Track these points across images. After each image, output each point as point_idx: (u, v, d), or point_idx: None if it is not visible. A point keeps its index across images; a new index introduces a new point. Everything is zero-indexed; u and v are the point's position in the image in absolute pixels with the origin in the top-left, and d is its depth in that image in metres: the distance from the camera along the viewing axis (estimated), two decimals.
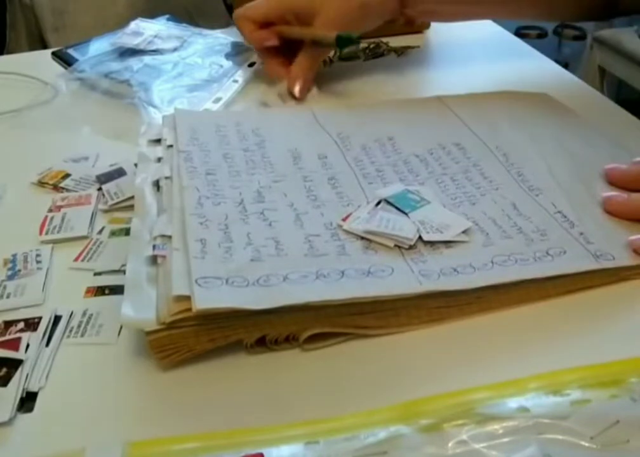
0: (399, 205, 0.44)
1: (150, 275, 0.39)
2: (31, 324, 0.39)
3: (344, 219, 0.43)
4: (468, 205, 0.45)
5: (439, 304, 0.38)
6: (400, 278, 0.38)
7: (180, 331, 0.35)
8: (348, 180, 0.48)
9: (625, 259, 0.40)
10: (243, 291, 0.37)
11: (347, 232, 0.42)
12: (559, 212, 0.44)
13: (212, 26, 0.84)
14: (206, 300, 0.35)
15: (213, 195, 0.45)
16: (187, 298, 0.35)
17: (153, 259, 0.40)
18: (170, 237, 0.41)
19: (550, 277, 0.39)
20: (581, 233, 0.42)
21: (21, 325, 0.39)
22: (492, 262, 0.40)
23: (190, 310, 0.35)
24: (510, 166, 0.50)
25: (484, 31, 0.88)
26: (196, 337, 0.36)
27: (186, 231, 0.41)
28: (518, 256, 0.40)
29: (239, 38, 0.80)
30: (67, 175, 0.56)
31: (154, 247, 0.40)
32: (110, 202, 0.51)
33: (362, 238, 0.42)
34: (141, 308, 0.36)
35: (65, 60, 0.76)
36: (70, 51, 0.77)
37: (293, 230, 0.42)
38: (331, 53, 0.80)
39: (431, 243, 0.41)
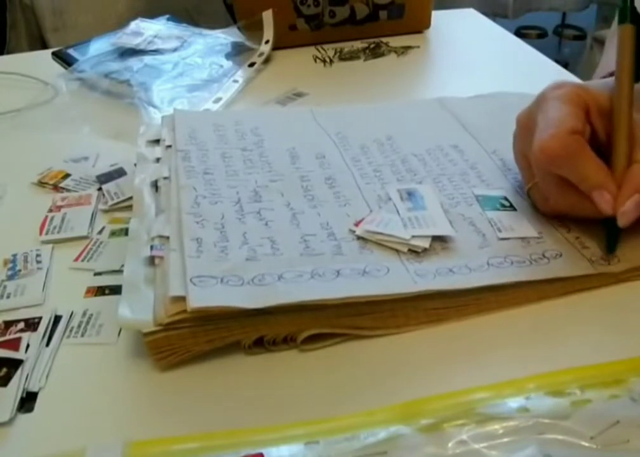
0: None
1: (147, 276, 0.39)
2: (31, 324, 0.39)
3: (356, 225, 0.43)
4: (465, 206, 0.45)
5: (436, 305, 0.38)
6: (395, 278, 0.38)
7: (177, 332, 0.35)
8: (345, 180, 0.48)
9: (619, 265, 0.40)
10: (238, 290, 0.37)
11: (345, 232, 0.42)
12: (556, 217, 0.44)
13: (212, 26, 0.84)
14: (200, 299, 0.35)
15: (210, 194, 0.45)
16: (184, 299, 0.35)
17: (151, 260, 0.40)
18: (168, 237, 0.41)
19: (547, 279, 0.39)
20: (577, 238, 0.42)
21: (21, 325, 0.39)
22: (488, 264, 0.40)
23: (187, 310, 0.35)
24: (507, 171, 0.50)
25: (484, 31, 0.88)
26: (193, 339, 0.36)
27: (183, 231, 0.41)
28: (514, 258, 0.40)
29: (238, 38, 0.80)
30: (67, 175, 0.56)
31: (152, 247, 0.40)
32: (110, 202, 0.51)
33: (359, 238, 0.42)
34: (138, 309, 0.36)
35: (65, 60, 0.76)
36: (70, 51, 0.77)
37: (289, 230, 0.42)
38: (331, 53, 0.80)
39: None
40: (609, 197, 0.39)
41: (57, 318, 0.40)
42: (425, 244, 0.41)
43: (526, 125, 0.44)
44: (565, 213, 0.43)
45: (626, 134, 0.42)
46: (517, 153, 0.46)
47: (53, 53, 0.77)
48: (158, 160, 0.51)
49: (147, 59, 0.74)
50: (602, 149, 0.43)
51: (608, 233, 0.41)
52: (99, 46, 0.77)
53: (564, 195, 0.42)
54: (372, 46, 0.81)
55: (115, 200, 0.51)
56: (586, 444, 0.30)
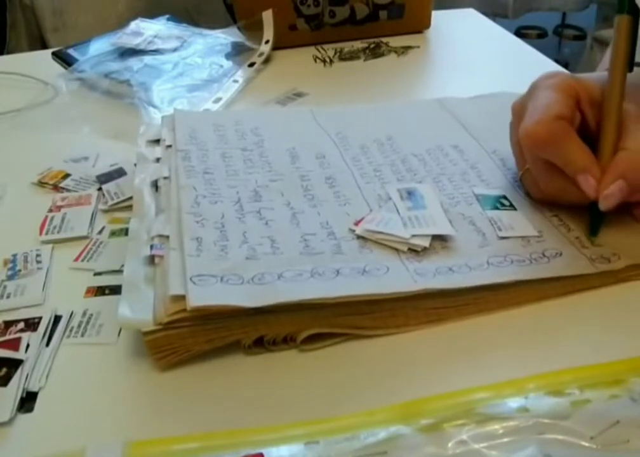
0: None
1: (147, 275, 0.39)
2: (31, 324, 0.39)
3: (356, 224, 0.43)
4: (465, 205, 0.45)
5: (436, 305, 0.38)
6: (395, 277, 0.38)
7: (177, 331, 0.35)
8: (345, 180, 0.48)
9: (620, 262, 0.40)
10: (237, 288, 0.37)
11: (344, 231, 0.42)
12: (556, 216, 0.44)
13: (212, 26, 0.84)
14: (200, 298, 0.35)
15: (210, 194, 0.45)
16: (184, 298, 0.35)
17: (151, 260, 0.40)
18: (168, 237, 0.41)
19: (547, 278, 0.39)
20: (577, 238, 0.42)
21: (21, 325, 0.39)
22: (487, 263, 0.40)
23: (186, 310, 0.35)
24: (507, 171, 0.50)
25: (484, 31, 0.88)
26: (193, 338, 0.36)
27: (183, 230, 0.41)
28: (514, 257, 0.40)
29: (238, 38, 0.80)
30: (67, 175, 0.56)
31: (152, 247, 0.40)
32: (110, 202, 0.51)
33: (359, 237, 0.42)
34: (138, 308, 0.36)
35: (65, 60, 0.76)
36: (70, 51, 0.77)
37: (289, 229, 0.42)
38: (331, 53, 0.80)
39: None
40: (594, 181, 0.40)
41: (57, 318, 0.40)
42: (425, 243, 0.41)
43: (519, 114, 0.45)
44: (555, 198, 0.44)
45: (615, 122, 0.42)
46: (512, 140, 0.47)
47: (53, 53, 0.77)
48: (158, 160, 0.51)
49: (147, 59, 0.74)
50: (592, 138, 0.43)
51: (592, 217, 0.42)
52: (99, 46, 0.77)
53: (552, 180, 0.43)
54: (372, 46, 0.81)
55: (115, 200, 0.51)
56: (586, 444, 0.30)
